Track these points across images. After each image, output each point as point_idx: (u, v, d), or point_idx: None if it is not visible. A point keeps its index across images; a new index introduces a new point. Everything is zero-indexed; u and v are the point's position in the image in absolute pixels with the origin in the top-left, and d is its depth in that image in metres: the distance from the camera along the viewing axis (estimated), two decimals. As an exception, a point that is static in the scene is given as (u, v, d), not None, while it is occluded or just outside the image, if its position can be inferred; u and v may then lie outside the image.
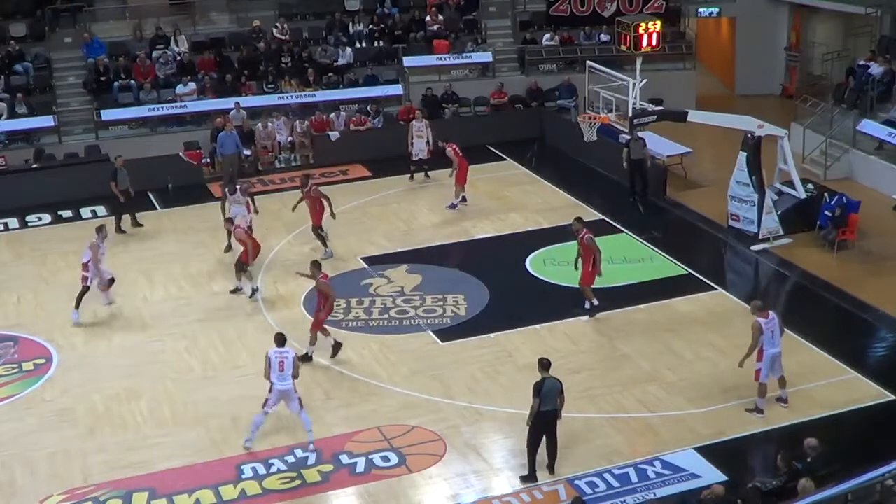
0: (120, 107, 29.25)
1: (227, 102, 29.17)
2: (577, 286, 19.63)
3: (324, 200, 22.35)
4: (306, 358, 17.87)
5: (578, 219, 20.04)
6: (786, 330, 18.75)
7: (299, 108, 29.92)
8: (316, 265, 18.56)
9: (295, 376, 15.61)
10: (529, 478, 14.75)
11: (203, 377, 18.01)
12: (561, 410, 14.71)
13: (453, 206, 24.86)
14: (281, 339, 15.86)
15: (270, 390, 15.60)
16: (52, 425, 16.66)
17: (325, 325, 18.26)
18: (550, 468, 14.83)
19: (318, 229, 22.50)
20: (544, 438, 14.78)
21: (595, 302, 19.56)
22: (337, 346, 18.26)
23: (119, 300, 20.83)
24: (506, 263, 22.08)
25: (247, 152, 27.73)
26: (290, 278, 21.39)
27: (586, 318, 19.41)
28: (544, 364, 14.73)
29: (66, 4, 31.16)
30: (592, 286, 19.53)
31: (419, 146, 26.47)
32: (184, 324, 19.90)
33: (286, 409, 16.43)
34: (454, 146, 24.91)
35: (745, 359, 16.14)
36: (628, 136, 24.79)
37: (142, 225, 24.69)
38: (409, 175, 26.95)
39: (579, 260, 19.50)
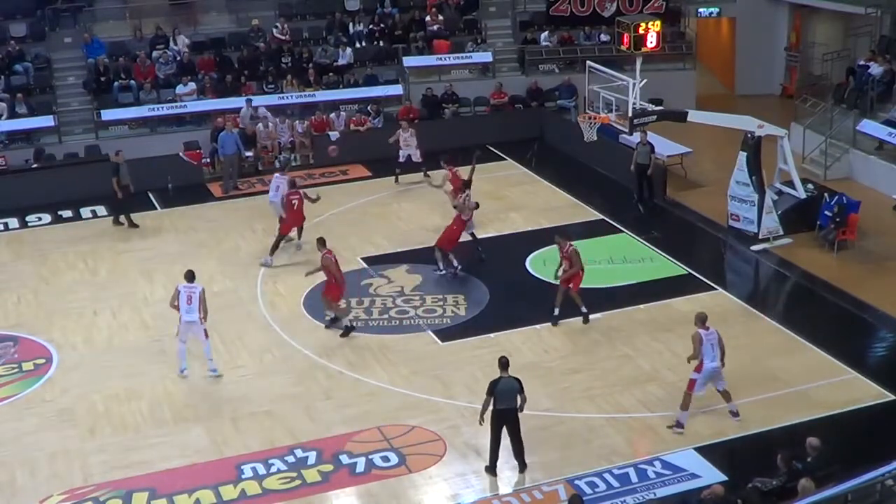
0: (120, 107, 29.20)
1: (227, 102, 29.19)
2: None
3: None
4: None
5: (561, 232, 19.92)
6: (784, 330, 18.86)
7: (299, 108, 29.92)
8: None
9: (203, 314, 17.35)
10: (490, 469, 14.91)
11: (203, 377, 17.99)
12: (523, 407, 14.65)
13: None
14: (191, 275, 17.70)
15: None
16: (52, 425, 16.64)
17: None
18: (521, 466, 14.91)
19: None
20: (508, 437, 14.78)
21: (584, 308, 19.29)
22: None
23: (119, 300, 20.87)
24: (506, 263, 22.08)
25: (248, 154, 27.72)
26: (291, 277, 21.40)
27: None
28: (502, 363, 14.76)
29: (66, 4, 31.12)
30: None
31: (408, 151, 26.48)
32: (184, 324, 19.90)
33: (286, 411, 16.45)
34: (452, 170, 23.62)
35: (690, 359, 15.84)
36: (637, 140, 24.78)
37: (137, 226, 24.63)
38: (394, 178, 26.87)
39: (560, 269, 19.17)
